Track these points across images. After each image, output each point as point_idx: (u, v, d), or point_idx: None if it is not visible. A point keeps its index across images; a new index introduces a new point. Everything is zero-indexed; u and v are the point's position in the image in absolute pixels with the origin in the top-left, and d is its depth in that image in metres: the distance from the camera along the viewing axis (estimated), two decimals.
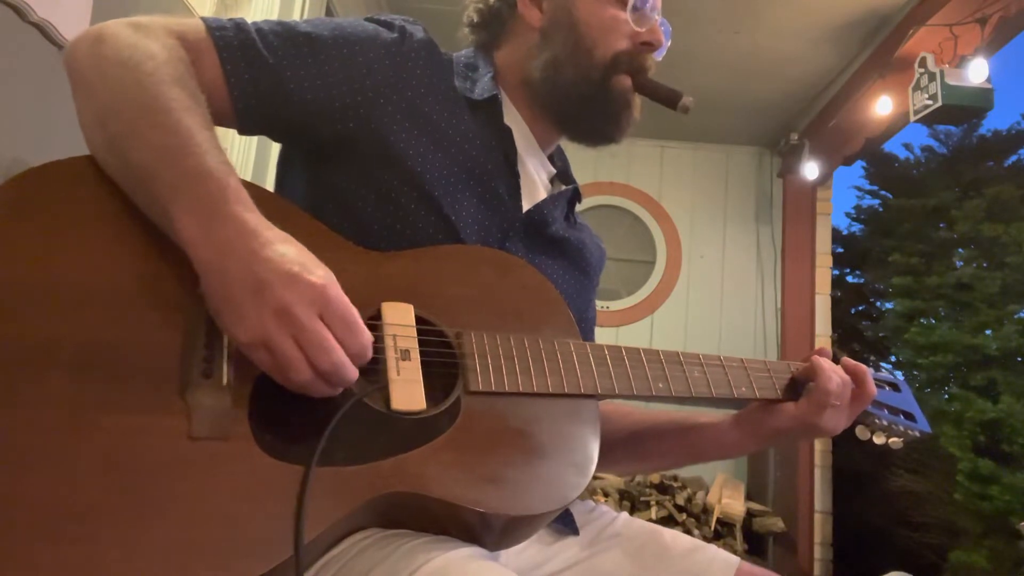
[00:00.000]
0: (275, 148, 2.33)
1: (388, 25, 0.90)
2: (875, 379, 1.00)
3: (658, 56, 0.98)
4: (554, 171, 1.04)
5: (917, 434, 1.00)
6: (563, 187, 1.03)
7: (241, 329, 0.60)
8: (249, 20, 0.83)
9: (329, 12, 2.69)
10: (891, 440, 0.99)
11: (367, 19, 0.90)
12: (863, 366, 0.93)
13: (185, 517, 0.56)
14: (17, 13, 1.05)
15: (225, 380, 0.63)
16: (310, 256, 0.64)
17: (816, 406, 0.89)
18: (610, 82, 0.94)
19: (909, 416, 1.01)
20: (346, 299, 0.63)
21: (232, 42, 0.79)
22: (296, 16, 2.37)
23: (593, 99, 0.94)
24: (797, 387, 0.93)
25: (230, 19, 0.82)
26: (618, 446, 0.99)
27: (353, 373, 0.62)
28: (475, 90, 0.93)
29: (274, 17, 2.16)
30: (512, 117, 0.96)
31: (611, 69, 0.93)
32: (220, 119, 0.81)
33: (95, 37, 0.73)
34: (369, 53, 0.85)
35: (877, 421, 0.97)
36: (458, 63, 0.96)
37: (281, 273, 0.60)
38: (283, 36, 0.82)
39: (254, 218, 0.64)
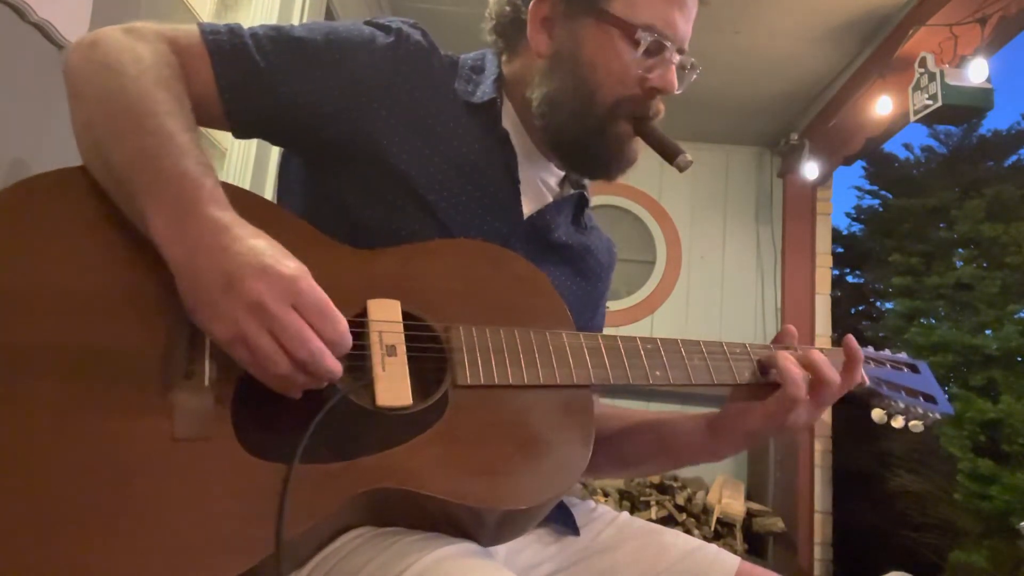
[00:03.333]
0: (275, 150, 2.34)
1: (385, 28, 0.89)
2: (892, 361, 0.97)
3: (677, 91, 0.91)
4: (563, 174, 1.01)
5: (938, 416, 0.96)
6: (572, 191, 1.01)
7: (217, 326, 0.60)
8: (248, 18, 0.84)
9: (329, 11, 2.69)
10: (911, 423, 0.95)
11: (366, 22, 0.90)
12: (818, 354, 0.84)
13: (167, 516, 0.57)
14: (17, 13, 1.05)
15: (207, 380, 0.63)
16: (281, 249, 0.64)
17: (782, 407, 0.82)
18: (607, 129, 0.89)
19: (929, 398, 0.97)
20: (318, 289, 0.63)
21: (224, 47, 0.79)
22: (296, 14, 2.37)
23: (586, 143, 0.90)
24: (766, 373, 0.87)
25: (226, 24, 0.82)
26: (598, 451, 0.98)
27: (332, 361, 0.62)
28: (476, 93, 0.92)
29: (274, 15, 2.16)
30: (512, 122, 0.94)
31: (610, 115, 0.88)
32: (214, 123, 0.81)
33: (89, 43, 0.74)
34: (363, 57, 0.84)
35: (894, 404, 0.94)
36: (463, 65, 0.95)
37: (251, 267, 0.60)
38: (276, 41, 0.82)
39: (226, 216, 0.64)
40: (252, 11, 2.21)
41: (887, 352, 1.01)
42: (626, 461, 1.00)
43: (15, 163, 1.05)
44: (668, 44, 0.87)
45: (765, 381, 0.87)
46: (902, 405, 0.95)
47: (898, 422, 0.95)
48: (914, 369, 1.01)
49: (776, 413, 0.83)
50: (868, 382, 0.93)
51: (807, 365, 0.83)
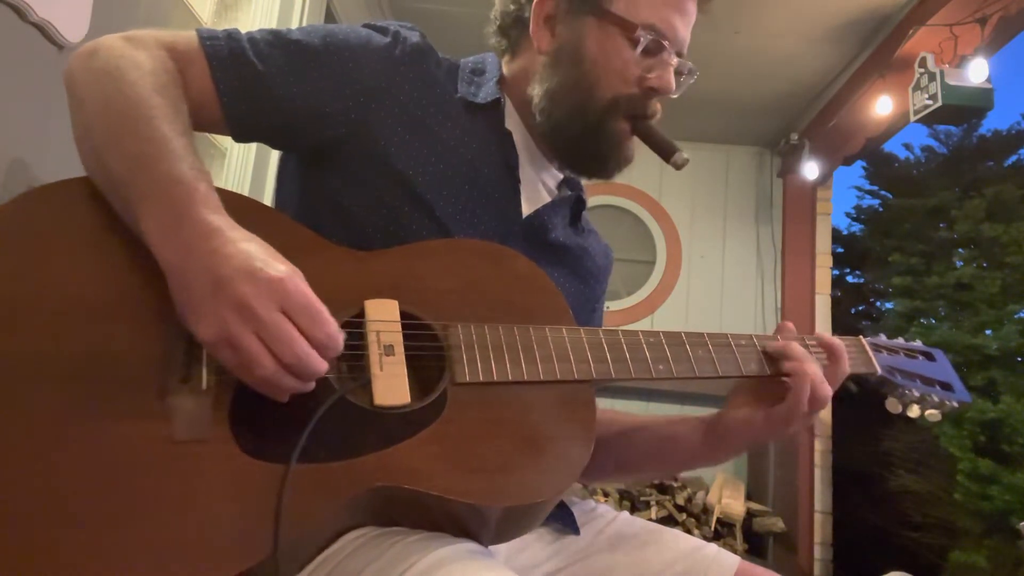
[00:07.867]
0: (274, 154, 2.33)
1: (382, 30, 0.90)
2: (907, 349, 0.96)
3: (674, 94, 0.93)
4: (561, 177, 1.02)
5: (955, 404, 0.94)
6: (569, 193, 1.02)
7: (203, 326, 0.60)
8: (249, 18, 0.85)
9: (329, 11, 2.69)
10: (927, 412, 0.93)
11: (364, 25, 0.90)
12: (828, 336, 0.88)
13: (166, 519, 0.57)
14: (17, 13, 1.05)
15: (204, 384, 0.63)
16: (272, 252, 0.64)
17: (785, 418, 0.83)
18: (605, 125, 0.90)
19: (946, 386, 0.95)
20: (308, 291, 0.62)
21: (222, 51, 0.80)
22: (296, 14, 2.37)
23: (583, 139, 0.91)
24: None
25: (224, 30, 0.83)
26: (598, 455, 0.98)
27: (319, 363, 0.61)
28: (479, 94, 0.93)
29: (274, 15, 2.16)
30: (515, 123, 0.95)
31: (609, 111, 0.89)
32: (214, 127, 0.82)
33: (89, 51, 0.75)
34: (360, 59, 0.85)
35: (908, 393, 0.92)
36: (464, 68, 0.96)
37: (240, 269, 0.61)
38: (274, 44, 0.83)
39: (218, 219, 0.64)
40: (252, 11, 2.21)
41: (901, 340, 0.99)
42: (625, 467, 0.99)
43: (15, 163, 1.05)
44: (667, 44, 0.89)
45: (772, 373, 0.86)
46: (917, 394, 0.93)
47: (914, 411, 0.93)
48: (929, 357, 0.99)
49: (781, 414, 0.83)
50: (880, 371, 0.92)
51: (823, 346, 0.87)
